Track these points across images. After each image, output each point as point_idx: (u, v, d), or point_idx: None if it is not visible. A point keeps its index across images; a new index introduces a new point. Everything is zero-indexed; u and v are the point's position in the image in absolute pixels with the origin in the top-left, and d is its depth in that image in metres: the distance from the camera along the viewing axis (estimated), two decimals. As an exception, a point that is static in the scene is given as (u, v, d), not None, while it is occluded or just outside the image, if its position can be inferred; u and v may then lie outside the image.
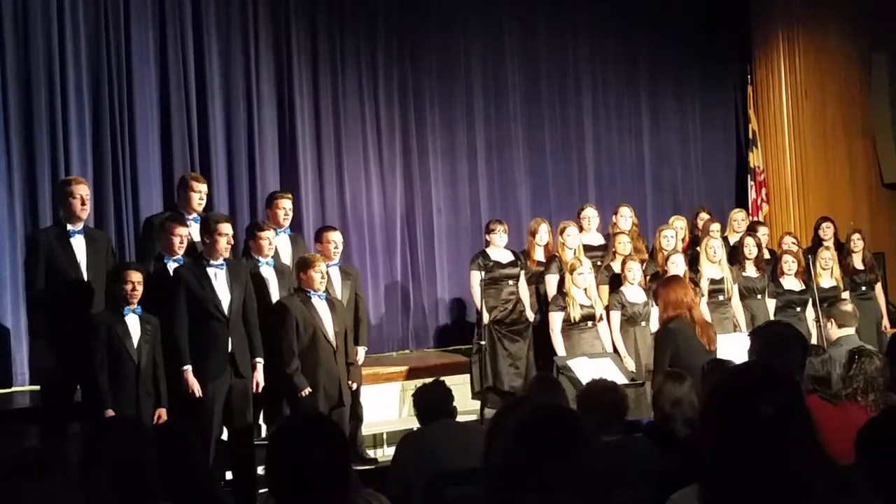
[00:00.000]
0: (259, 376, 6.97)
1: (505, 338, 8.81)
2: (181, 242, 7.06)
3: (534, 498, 2.09)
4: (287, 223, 7.96)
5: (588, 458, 2.17)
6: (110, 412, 6.21)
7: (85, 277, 6.78)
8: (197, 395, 6.65)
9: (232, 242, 7.01)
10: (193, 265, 6.87)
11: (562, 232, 9.09)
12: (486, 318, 8.65)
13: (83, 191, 6.86)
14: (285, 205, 7.91)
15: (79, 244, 6.79)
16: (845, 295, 9.17)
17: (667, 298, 6.92)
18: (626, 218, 9.73)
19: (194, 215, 7.44)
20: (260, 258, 7.43)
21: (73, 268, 6.73)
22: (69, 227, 6.80)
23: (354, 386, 7.65)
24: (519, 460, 2.13)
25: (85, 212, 6.88)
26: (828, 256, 9.64)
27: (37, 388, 7.45)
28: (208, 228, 6.91)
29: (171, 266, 6.99)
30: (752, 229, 10.12)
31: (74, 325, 6.55)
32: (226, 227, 6.91)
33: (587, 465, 2.16)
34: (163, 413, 6.53)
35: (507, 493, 2.14)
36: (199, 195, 7.48)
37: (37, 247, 6.78)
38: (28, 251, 6.99)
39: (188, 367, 6.66)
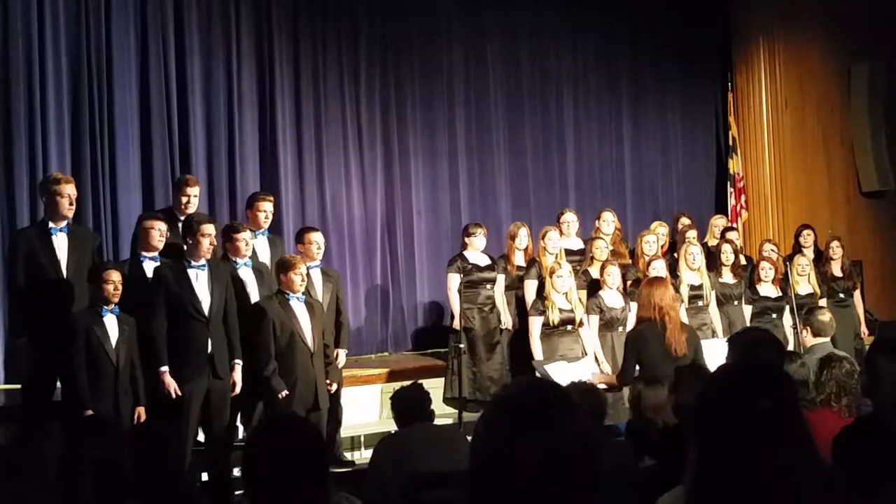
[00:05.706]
0: (237, 377, 6.94)
1: (481, 346, 8.83)
2: (160, 236, 7.04)
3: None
4: (267, 225, 7.93)
5: (575, 431, 2.01)
6: (89, 412, 6.19)
7: (65, 275, 6.73)
8: (174, 395, 6.63)
9: (215, 244, 6.98)
10: (173, 265, 6.85)
11: (543, 236, 9.10)
12: (462, 321, 8.64)
13: (71, 190, 6.82)
14: (266, 207, 7.87)
15: (60, 242, 6.76)
16: (822, 302, 9.20)
17: (641, 300, 7.03)
18: (608, 223, 9.74)
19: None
20: (237, 259, 7.40)
21: (53, 266, 6.70)
22: (52, 224, 6.76)
23: (334, 387, 7.62)
24: (503, 432, 1.98)
25: (71, 211, 6.84)
26: (805, 263, 9.66)
27: (13, 386, 7.40)
28: (191, 229, 6.88)
29: (148, 265, 6.97)
30: (724, 235, 10.17)
31: (54, 324, 6.53)
32: (209, 228, 6.89)
33: (575, 439, 2.00)
34: (142, 412, 6.52)
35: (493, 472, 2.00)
36: (187, 198, 7.52)
37: (17, 247, 6.77)
38: (9, 251, 6.98)
39: (165, 369, 6.64)
